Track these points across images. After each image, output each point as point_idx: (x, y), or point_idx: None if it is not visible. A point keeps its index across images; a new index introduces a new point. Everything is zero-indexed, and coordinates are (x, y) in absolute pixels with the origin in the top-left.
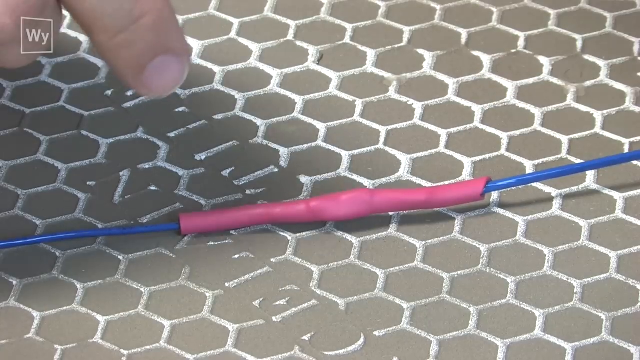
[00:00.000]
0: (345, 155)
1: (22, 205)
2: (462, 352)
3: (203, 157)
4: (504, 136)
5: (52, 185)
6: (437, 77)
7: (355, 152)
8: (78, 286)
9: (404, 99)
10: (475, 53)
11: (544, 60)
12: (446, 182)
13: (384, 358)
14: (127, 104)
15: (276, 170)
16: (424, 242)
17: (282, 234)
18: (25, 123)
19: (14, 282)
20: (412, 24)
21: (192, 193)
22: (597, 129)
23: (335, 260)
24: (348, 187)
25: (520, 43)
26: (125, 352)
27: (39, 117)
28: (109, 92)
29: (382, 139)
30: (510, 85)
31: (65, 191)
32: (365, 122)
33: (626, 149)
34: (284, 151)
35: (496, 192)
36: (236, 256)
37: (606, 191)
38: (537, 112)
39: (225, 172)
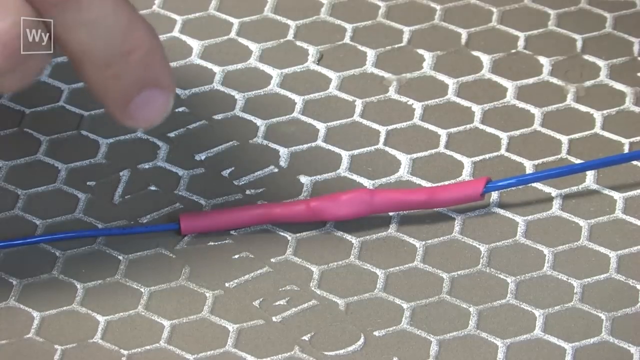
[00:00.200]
0: (345, 155)
1: (22, 205)
2: (462, 352)
3: (203, 157)
4: (504, 136)
5: (52, 185)
6: (437, 77)
7: (355, 152)
8: (78, 286)
9: (404, 99)
10: (475, 53)
11: (544, 60)
12: (446, 182)
13: (384, 358)
14: None
15: (276, 170)
16: (424, 242)
17: (282, 234)
18: (25, 123)
19: (14, 282)
20: (412, 24)
21: (192, 193)
22: (597, 129)
23: (335, 260)
24: (348, 187)
25: (520, 43)
26: (125, 352)
27: (39, 117)
28: None
29: (382, 139)
30: (510, 85)
31: (65, 191)
32: (365, 122)
33: (626, 149)
34: (283, 151)
35: (496, 192)
36: (236, 256)
37: (606, 191)
38: (537, 112)
39: (225, 172)
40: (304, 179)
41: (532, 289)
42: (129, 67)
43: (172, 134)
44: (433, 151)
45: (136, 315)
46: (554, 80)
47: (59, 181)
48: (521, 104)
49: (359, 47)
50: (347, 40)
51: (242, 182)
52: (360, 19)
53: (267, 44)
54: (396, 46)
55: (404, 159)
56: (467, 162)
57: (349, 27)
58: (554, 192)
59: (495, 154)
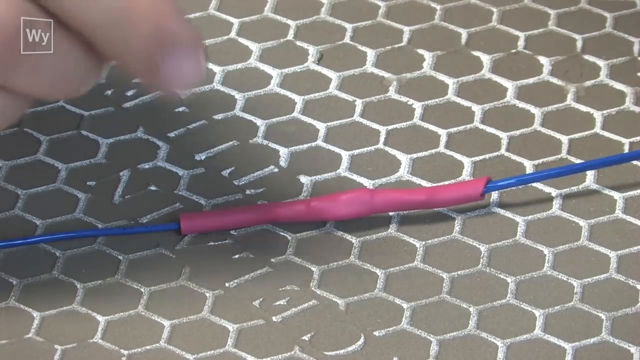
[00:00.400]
0: (345, 155)
1: (22, 205)
2: (462, 352)
3: (203, 157)
4: (504, 136)
5: (52, 185)
6: (437, 77)
7: (355, 152)
8: (78, 286)
9: (404, 99)
10: (475, 53)
11: (544, 60)
12: (446, 182)
13: (384, 358)
14: (127, 104)
15: (276, 170)
16: (424, 242)
17: (282, 234)
18: (25, 123)
19: (14, 282)
20: (412, 24)
21: (192, 193)
22: (597, 129)
23: (335, 260)
24: (348, 187)
25: (520, 43)
26: (125, 352)
27: (39, 117)
28: (109, 92)
29: (382, 139)
30: (510, 85)
31: (65, 191)
32: (365, 122)
33: (626, 149)
34: (284, 151)
35: (496, 192)
36: (236, 256)
37: (606, 191)
38: (537, 112)
39: (225, 172)
40: (304, 179)
41: (532, 289)
42: (135, 24)
43: (172, 134)
44: (433, 151)
45: (136, 315)
46: (554, 80)
47: (59, 181)
48: (521, 104)
49: (359, 47)
50: (347, 40)
51: (242, 182)
52: (360, 19)
53: (267, 43)
54: (396, 46)
55: (404, 158)
56: (467, 162)
57: (349, 27)
58: (554, 192)
59: (495, 153)
